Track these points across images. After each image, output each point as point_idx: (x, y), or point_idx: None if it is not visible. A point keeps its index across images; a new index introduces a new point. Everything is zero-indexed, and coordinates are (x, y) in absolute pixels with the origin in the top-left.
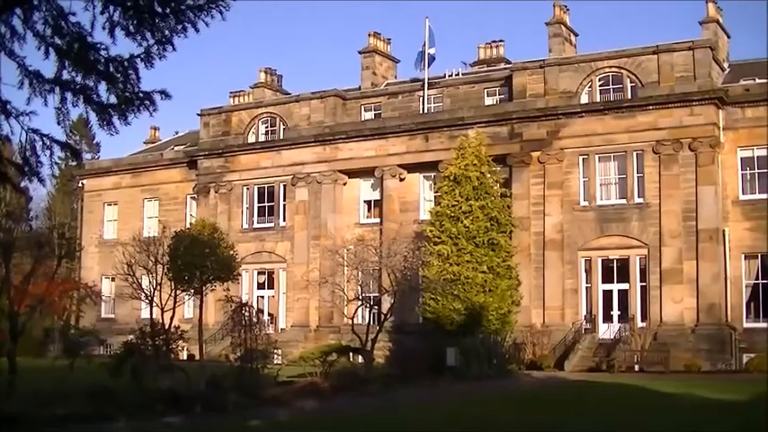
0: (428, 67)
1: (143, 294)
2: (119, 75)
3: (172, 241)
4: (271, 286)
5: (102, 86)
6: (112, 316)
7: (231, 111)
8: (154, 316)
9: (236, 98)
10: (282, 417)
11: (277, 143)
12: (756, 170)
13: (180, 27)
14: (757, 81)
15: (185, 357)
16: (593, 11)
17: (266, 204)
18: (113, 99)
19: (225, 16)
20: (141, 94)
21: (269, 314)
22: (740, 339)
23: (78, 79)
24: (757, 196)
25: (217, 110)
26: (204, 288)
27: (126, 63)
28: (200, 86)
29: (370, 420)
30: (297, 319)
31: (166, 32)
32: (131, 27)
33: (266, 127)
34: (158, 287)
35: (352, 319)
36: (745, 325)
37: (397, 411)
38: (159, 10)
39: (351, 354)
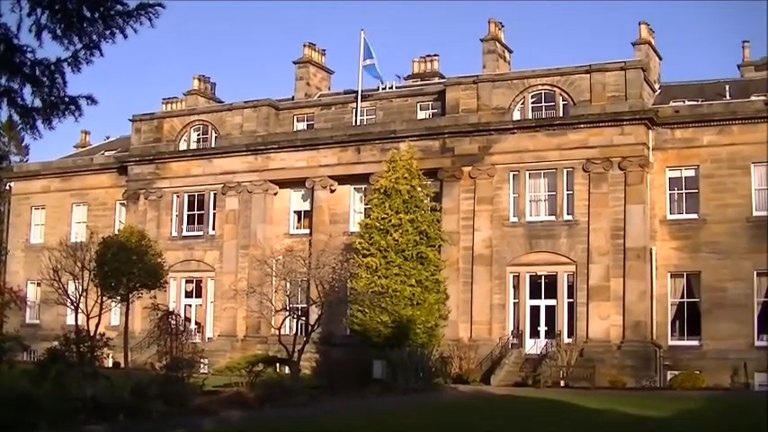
0: (371, 77)
1: (69, 300)
2: (45, 78)
3: (99, 247)
4: (199, 295)
5: (28, 89)
6: (37, 322)
7: (163, 117)
8: (79, 322)
9: (169, 105)
10: (207, 426)
11: (208, 151)
12: (684, 190)
13: (108, 32)
14: (687, 103)
15: (110, 365)
16: (528, 29)
17: (196, 212)
18: (38, 103)
19: (154, 23)
20: (67, 99)
21: (196, 323)
22: (665, 357)
23: (3, 81)
24: (684, 216)
25: (149, 116)
26: (131, 295)
27: (52, 67)
28: (134, 92)
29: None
30: (224, 328)
31: (94, 37)
32: (59, 30)
33: (198, 135)
34: (84, 293)
35: (280, 329)
36: (670, 342)
37: (322, 423)
38: (88, 14)
39: (278, 364)
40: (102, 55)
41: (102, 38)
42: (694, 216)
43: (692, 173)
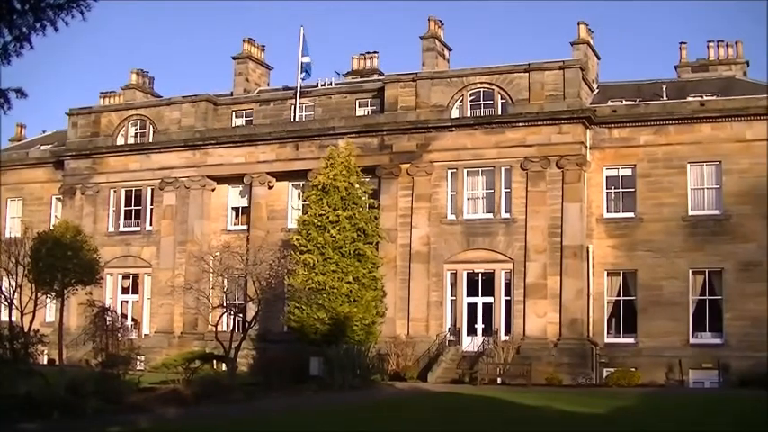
0: (302, 75)
1: (2, 296)
2: None
3: (34, 242)
4: (135, 291)
5: None
6: None
7: (100, 111)
8: (13, 319)
9: (107, 99)
10: (143, 423)
11: (146, 146)
12: (621, 189)
13: (39, 25)
14: (624, 103)
15: (45, 362)
16: (468, 27)
17: (133, 208)
18: None
19: (86, 16)
20: None
21: (133, 319)
22: (601, 354)
23: None
24: (621, 215)
25: (86, 110)
26: (66, 291)
27: None
28: (71, 86)
29: (228, 429)
30: (161, 325)
31: (24, 30)
32: None
33: (136, 129)
34: (18, 289)
35: (217, 326)
36: (606, 340)
37: (257, 420)
38: (18, 6)
39: (214, 361)
40: (32, 47)
41: (33, 30)
42: (631, 215)
43: (628, 172)
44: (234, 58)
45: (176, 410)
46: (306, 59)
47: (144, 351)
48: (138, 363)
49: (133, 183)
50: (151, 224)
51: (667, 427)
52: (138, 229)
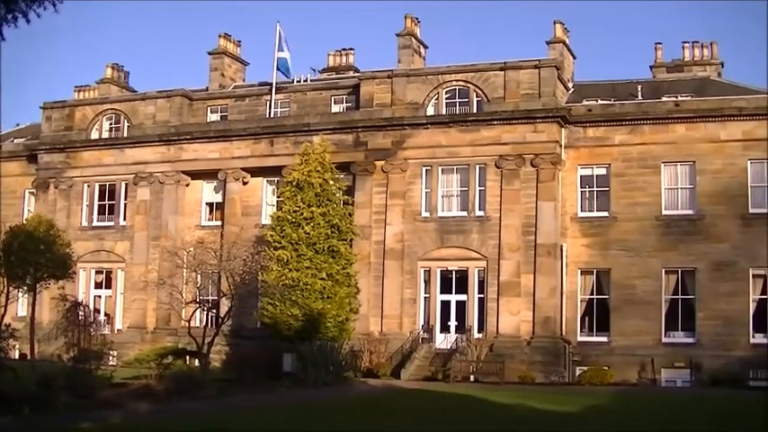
0: (280, 72)
1: None
2: None
3: (6, 236)
4: (108, 286)
5: None
6: None
7: (75, 105)
8: None
9: (81, 93)
10: (115, 419)
11: (120, 141)
12: (595, 188)
13: (10, 16)
14: (599, 102)
15: (17, 356)
16: (445, 25)
17: (107, 203)
18: None
19: (58, 8)
20: None
21: (105, 314)
22: (574, 352)
23: None
24: (595, 214)
25: (60, 104)
26: (38, 285)
27: None
28: (46, 79)
29: (199, 425)
30: (134, 320)
31: None
32: None
33: (110, 124)
34: None
35: (190, 321)
36: (579, 339)
37: (228, 417)
38: None
39: (187, 357)
40: (3, 39)
41: (4, 22)
42: (605, 214)
43: (603, 171)
44: (209, 54)
45: (148, 406)
46: (284, 55)
47: (116, 346)
48: (110, 358)
49: (107, 177)
50: (125, 219)
51: (639, 427)
52: (112, 223)
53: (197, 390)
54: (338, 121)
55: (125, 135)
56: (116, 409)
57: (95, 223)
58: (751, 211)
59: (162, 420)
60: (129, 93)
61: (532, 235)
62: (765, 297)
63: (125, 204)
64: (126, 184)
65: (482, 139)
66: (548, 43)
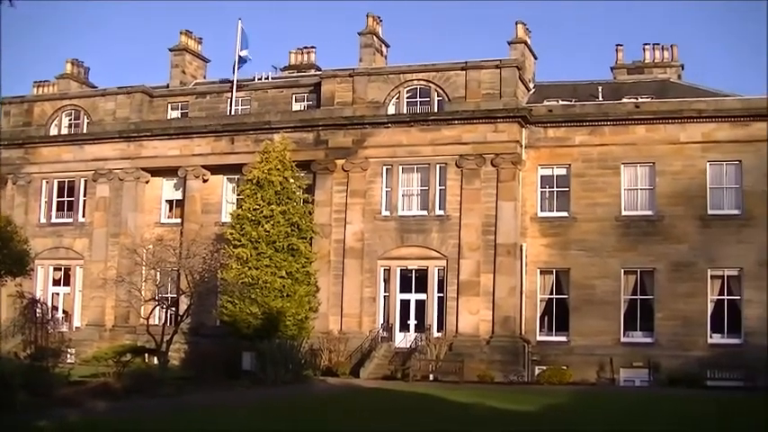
0: (238, 69)
1: None
2: None
3: None
4: (67, 283)
5: None
6: None
7: (34, 101)
8: None
9: (41, 88)
10: (72, 417)
11: (80, 137)
12: (555, 188)
13: None
14: (560, 102)
15: None
16: (407, 24)
17: (66, 199)
18: None
19: (14, 3)
20: None
21: (64, 312)
22: (533, 352)
23: None
24: (555, 214)
25: (19, 99)
26: None
27: None
28: (4, 74)
29: (154, 424)
30: (92, 317)
31: None
32: None
33: (70, 120)
34: None
35: (148, 319)
36: (539, 338)
37: (185, 415)
38: None
39: (146, 355)
40: None
41: None
42: (565, 214)
43: (563, 171)
44: (170, 50)
45: (106, 404)
46: (244, 53)
47: (75, 344)
48: (68, 356)
49: (66, 174)
50: (84, 216)
51: (597, 426)
52: (71, 220)
53: (155, 388)
54: (299, 120)
55: (84, 131)
56: (74, 408)
57: (54, 220)
58: (709, 212)
59: (120, 418)
60: (89, 89)
61: (492, 234)
62: (723, 298)
63: (84, 201)
64: (85, 180)
65: (443, 139)
66: (509, 43)
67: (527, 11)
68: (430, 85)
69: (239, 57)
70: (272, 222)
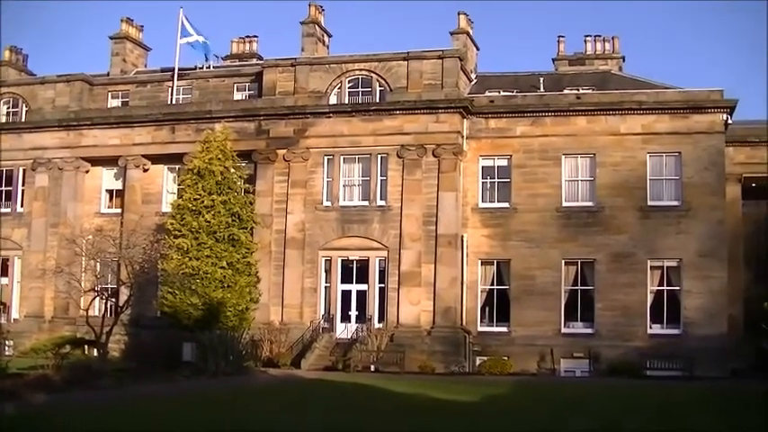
0: (207, 58)
1: None
2: None
3: None
4: (5, 274)
5: None
6: None
7: None
8: None
9: None
10: (10, 410)
11: (18, 125)
12: (496, 179)
13: None
14: (502, 93)
15: None
16: (349, 14)
17: (4, 189)
18: None
19: None
20: None
21: (2, 303)
22: (474, 343)
23: None
24: (496, 204)
25: None
26: None
27: None
28: None
29: (94, 415)
30: (31, 309)
31: None
32: None
33: (8, 108)
34: None
35: (88, 310)
36: (480, 329)
37: (123, 407)
38: None
39: (86, 346)
40: None
41: None
42: (506, 205)
43: (504, 162)
44: (111, 38)
45: (45, 397)
46: (195, 39)
47: (13, 336)
48: (6, 348)
49: (4, 162)
50: (22, 205)
51: (538, 414)
52: (9, 210)
53: (95, 380)
54: (240, 109)
55: (23, 119)
56: (11, 401)
57: None
58: (649, 203)
59: (56, 411)
60: (28, 76)
61: (433, 225)
62: (663, 288)
63: (23, 191)
64: (24, 169)
65: (384, 129)
66: (451, 34)
67: (469, 2)
68: (372, 75)
69: (204, 43)
70: (212, 212)
